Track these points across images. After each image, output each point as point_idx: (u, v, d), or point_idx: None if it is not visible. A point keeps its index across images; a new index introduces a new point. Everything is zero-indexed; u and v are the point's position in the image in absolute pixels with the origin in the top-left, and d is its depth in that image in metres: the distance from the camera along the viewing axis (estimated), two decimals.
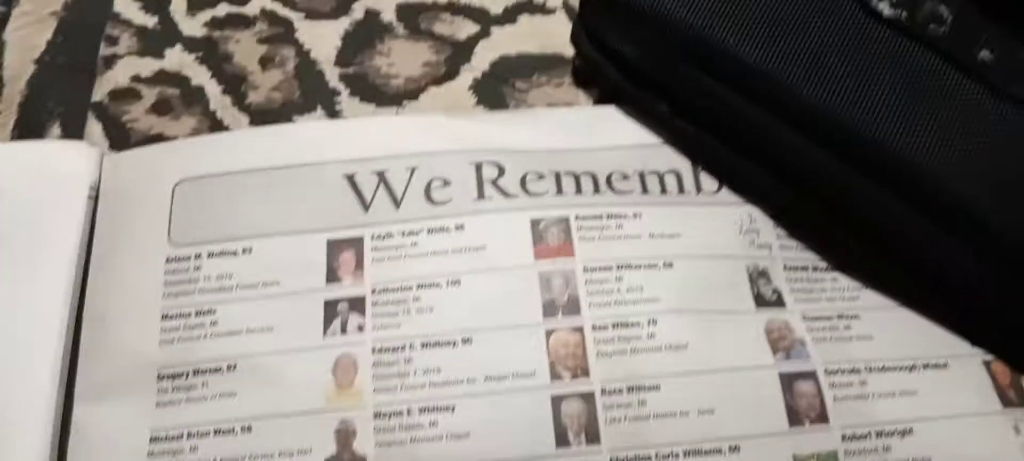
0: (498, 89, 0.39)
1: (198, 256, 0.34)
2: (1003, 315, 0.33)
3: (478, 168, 0.36)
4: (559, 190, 0.36)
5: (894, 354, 0.33)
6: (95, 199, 0.35)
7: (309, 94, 0.39)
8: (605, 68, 0.38)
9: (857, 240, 0.34)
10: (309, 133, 0.38)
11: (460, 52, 0.40)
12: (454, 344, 0.32)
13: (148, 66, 0.40)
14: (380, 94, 0.39)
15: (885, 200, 0.33)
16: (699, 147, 0.37)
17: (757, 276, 0.34)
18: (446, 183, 0.36)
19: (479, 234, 0.35)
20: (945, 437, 0.31)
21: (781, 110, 0.34)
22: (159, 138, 0.38)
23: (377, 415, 0.31)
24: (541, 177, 0.36)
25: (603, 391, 0.32)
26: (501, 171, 0.36)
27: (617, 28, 0.37)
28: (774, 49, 0.34)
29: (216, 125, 0.38)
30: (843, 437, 0.31)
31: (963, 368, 0.33)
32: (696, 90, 0.35)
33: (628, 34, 0.37)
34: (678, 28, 0.35)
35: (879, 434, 0.31)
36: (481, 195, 0.36)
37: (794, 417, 0.31)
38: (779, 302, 0.34)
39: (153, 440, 0.31)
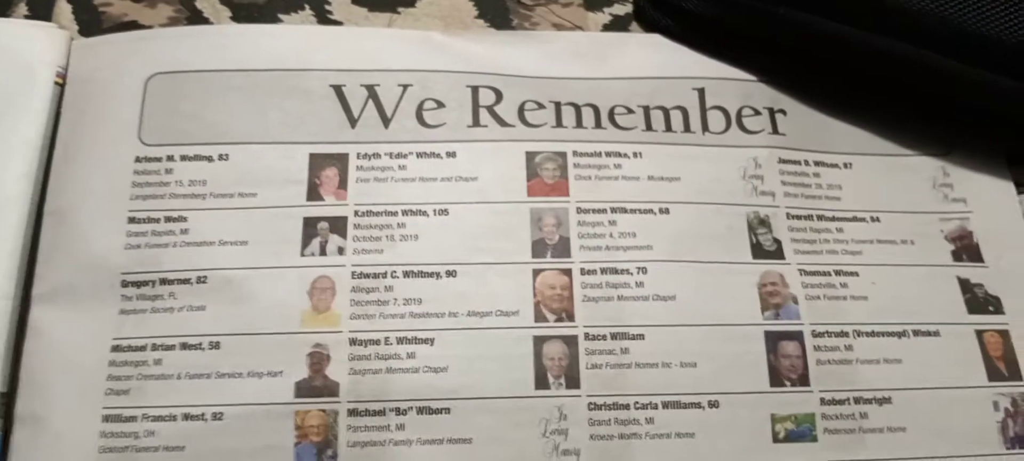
0: (502, 2, 0.37)
1: (170, 157, 0.32)
2: None
3: (474, 92, 0.34)
4: (558, 122, 0.34)
5: (886, 318, 0.32)
6: (62, 86, 0.33)
7: None
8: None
9: None
10: (297, 37, 0.35)
11: None
12: (437, 275, 0.31)
13: None
14: None
15: None
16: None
17: (757, 225, 0.33)
18: (440, 105, 0.34)
19: (471, 163, 0.33)
20: (922, 409, 0.31)
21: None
22: (133, 26, 0.35)
23: (353, 341, 0.30)
24: (540, 106, 0.34)
25: (586, 336, 0.31)
26: (499, 97, 0.34)
27: None
28: None
29: (195, 16, 0.36)
30: (822, 401, 0.31)
31: (955, 337, 0.32)
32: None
33: None
34: None
35: (857, 401, 0.31)
36: (476, 122, 0.34)
37: (776, 378, 0.31)
38: (778, 253, 0.33)
39: (115, 349, 0.30)
